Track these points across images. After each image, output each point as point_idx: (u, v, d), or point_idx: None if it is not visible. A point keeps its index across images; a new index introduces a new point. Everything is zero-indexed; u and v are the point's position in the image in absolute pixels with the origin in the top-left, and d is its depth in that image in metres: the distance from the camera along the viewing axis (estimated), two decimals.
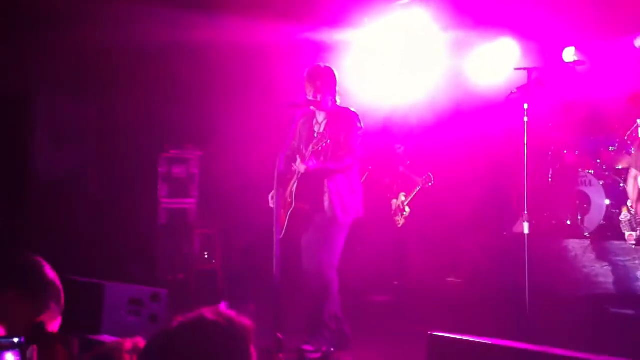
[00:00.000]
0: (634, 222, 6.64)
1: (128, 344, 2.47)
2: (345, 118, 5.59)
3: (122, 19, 7.94)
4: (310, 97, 5.60)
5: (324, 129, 5.60)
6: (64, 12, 7.70)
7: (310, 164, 5.43)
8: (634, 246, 6.81)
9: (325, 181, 5.53)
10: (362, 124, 5.66)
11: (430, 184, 8.34)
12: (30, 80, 8.27)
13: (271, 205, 5.54)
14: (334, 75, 5.69)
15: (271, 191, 5.49)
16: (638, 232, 6.71)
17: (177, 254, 8.74)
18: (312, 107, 5.65)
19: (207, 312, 2.01)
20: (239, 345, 1.97)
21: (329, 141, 5.37)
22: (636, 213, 6.47)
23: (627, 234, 6.80)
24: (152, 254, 8.60)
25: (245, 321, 2.03)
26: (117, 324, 5.23)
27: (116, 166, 8.77)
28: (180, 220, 8.88)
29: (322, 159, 5.51)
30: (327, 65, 5.81)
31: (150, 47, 8.41)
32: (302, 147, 5.68)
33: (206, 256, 8.89)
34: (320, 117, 5.70)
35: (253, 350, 2.00)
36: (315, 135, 5.63)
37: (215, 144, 9.05)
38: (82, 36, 7.88)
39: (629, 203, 6.88)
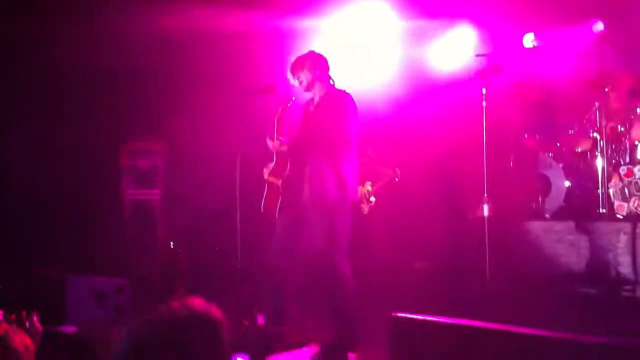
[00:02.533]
0: (625, 191, 6.33)
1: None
2: (340, 101, 5.54)
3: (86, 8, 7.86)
4: (296, 82, 5.62)
5: (314, 110, 5.60)
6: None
7: (276, 144, 5.42)
8: (621, 218, 6.74)
9: (308, 164, 5.46)
10: (356, 108, 5.61)
11: (396, 179, 8.40)
12: None
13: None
14: (319, 57, 5.68)
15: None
16: (631, 204, 6.46)
17: (143, 244, 8.70)
18: (300, 86, 5.64)
19: (177, 306, 2.00)
20: (212, 336, 1.97)
21: (281, 114, 5.36)
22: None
23: (616, 203, 6.54)
24: (117, 245, 8.54)
25: (216, 311, 2.03)
26: (82, 315, 5.22)
27: (81, 158, 8.69)
28: (145, 211, 8.84)
29: (284, 137, 5.50)
30: (310, 50, 5.79)
31: (114, 36, 8.34)
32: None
33: (172, 246, 8.86)
34: (316, 98, 5.69)
35: (226, 340, 2.00)
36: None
37: (181, 135, 9.01)
38: (44, 23, 7.79)
39: (621, 170, 6.75)
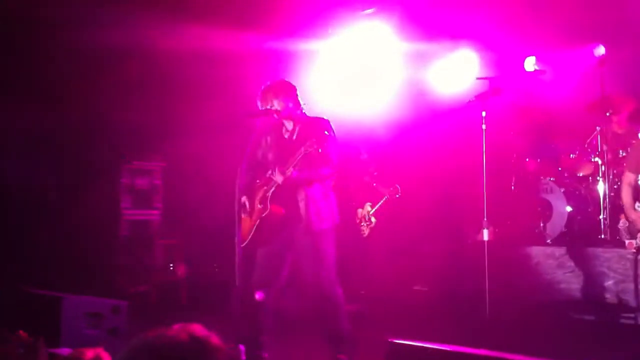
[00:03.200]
0: (633, 229, 6.54)
1: (89, 353, 2.43)
2: (317, 126, 5.56)
3: (85, 24, 7.84)
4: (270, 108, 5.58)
5: (297, 138, 5.56)
6: (22, 18, 7.59)
7: (289, 174, 5.40)
8: (634, 253, 6.73)
9: (302, 189, 5.48)
10: (334, 131, 5.62)
11: (397, 196, 8.41)
12: None
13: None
14: (291, 85, 5.67)
15: (234, 201, 5.45)
16: (638, 240, 6.58)
17: (140, 265, 8.65)
18: (275, 116, 5.60)
19: (178, 332, 1.95)
20: None
21: (318, 149, 5.32)
22: (631, 221, 6.38)
23: (627, 241, 6.68)
24: (114, 266, 8.50)
25: (215, 339, 1.98)
26: (76, 337, 5.16)
27: (78, 177, 8.65)
28: (143, 232, 8.80)
29: (297, 168, 5.47)
30: (281, 78, 5.80)
31: (115, 57, 8.34)
32: (271, 156, 5.63)
33: (170, 267, 8.82)
34: (290, 126, 5.65)
35: None
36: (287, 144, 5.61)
37: (179, 155, 9.00)
38: (43, 41, 7.78)
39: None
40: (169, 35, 8.01)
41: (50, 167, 8.55)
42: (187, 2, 8.16)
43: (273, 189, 5.47)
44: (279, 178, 5.40)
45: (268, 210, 5.49)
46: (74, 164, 8.61)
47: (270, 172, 5.48)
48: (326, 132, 5.46)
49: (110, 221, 8.64)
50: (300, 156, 5.34)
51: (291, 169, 5.39)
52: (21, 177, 8.30)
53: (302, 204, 5.44)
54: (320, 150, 5.28)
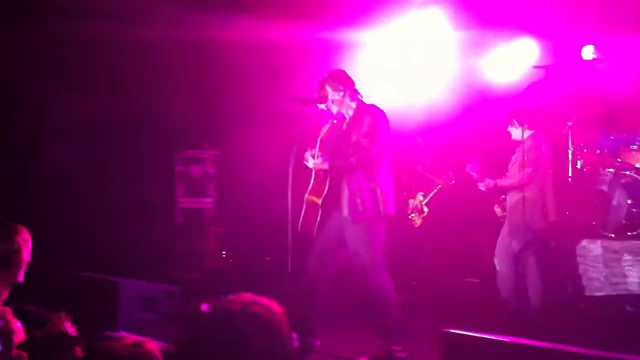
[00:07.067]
0: None
1: (129, 339, 2.42)
2: (368, 114, 5.56)
3: (140, 15, 7.95)
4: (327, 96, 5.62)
5: (347, 127, 5.60)
6: (75, 7, 7.71)
7: (322, 159, 5.43)
8: None
9: (344, 179, 5.48)
10: (388, 121, 5.61)
11: (452, 182, 8.34)
12: (40, 78, 8.26)
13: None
14: (347, 75, 5.69)
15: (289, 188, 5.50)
16: None
17: (194, 252, 8.76)
18: (327, 105, 5.64)
19: (231, 303, 1.94)
20: (271, 328, 1.93)
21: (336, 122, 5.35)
22: None
23: None
24: (169, 253, 8.62)
25: (273, 304, 1.98)
26: (133, 321, 5.25)
27: (134, 166, 8.80)
28: (197, 220, 8.91)
29: (329, 154, 5.52)
30: (338, 67, 5.84)
31: (169, 48, 8.44)
32: (325, 144, 5.67)
33: (223, 255, 8.90)
34: (347, 115, 5.69)
35: (286, 331, 1.96)
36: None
37: (232, 143, 9.07)
38: (97, 32, 7.91)
39: None
40: (225, 28, 8.06)
41: (109, 156, 8.71)
42: None
43: (313, 179, 5.53)
44: (311, 164, 5.47)
45: (306, 199, 5.55)
46: (131, 153, 8.76)
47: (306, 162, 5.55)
48: (374, 121, 5.48)
49: (166, 209, 8.78)
50: (318, 144, 5.40)
51: (321, 156, 5.43)
52: (80, 167, 8.46)
53: (344, 194, 5.45)
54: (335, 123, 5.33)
